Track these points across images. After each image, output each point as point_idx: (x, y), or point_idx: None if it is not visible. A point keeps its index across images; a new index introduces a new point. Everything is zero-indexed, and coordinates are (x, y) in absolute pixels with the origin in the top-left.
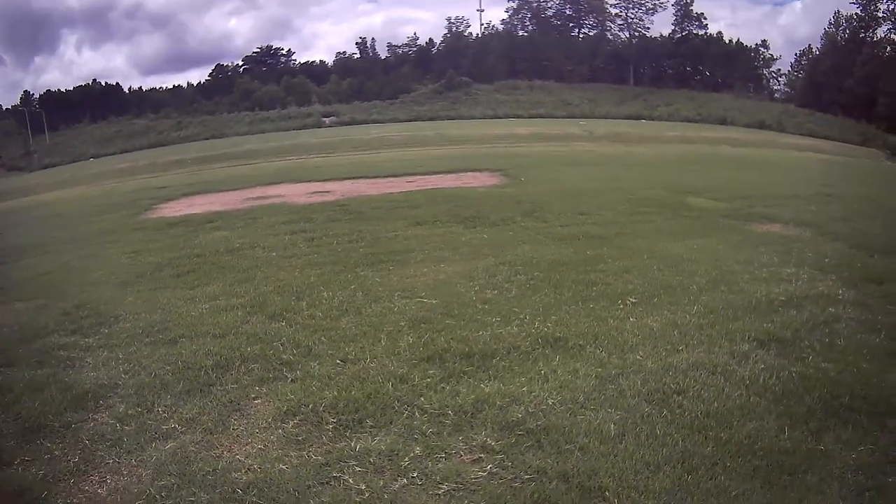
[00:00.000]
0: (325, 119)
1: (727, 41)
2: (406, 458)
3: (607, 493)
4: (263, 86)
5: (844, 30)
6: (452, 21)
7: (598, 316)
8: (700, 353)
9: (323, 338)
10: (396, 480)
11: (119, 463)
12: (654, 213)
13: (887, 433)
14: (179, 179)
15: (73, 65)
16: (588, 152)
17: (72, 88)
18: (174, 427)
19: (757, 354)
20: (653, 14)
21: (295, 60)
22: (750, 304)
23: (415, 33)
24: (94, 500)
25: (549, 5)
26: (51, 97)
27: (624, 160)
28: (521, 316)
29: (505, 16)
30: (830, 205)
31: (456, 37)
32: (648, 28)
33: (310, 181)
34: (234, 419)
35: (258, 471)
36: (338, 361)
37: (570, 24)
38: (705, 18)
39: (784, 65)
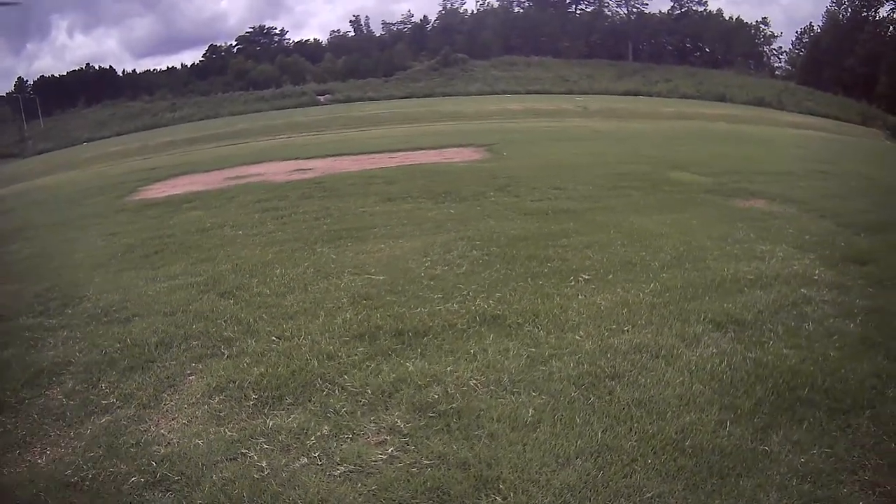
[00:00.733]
0: (319, 97)
1: (727, 18)
2: (313, 437)
3: (502, 486)
4: (258, 65)
5: (846, 8)
6: None
7: (545, 293)
8: (647, 334)
9: (264, 315)
10: (298, 460)
11: (59, 435)
12: (632, 187)
13: (848, 434)
14: (168, 161)
15: (65, 50)
16: (579, 128)
17: (65, 73)
18: (112, 402)
19: (710, 337)
20: None
21: (289, 39)
22: (713, 282)
23: (409, 10)
24: (33, 469)
25: None
26: (44, 83)
27: (615, 135)
28: (465, 293)
29: None
30: (823, 181)
31: (451, 13)
32: (647, 4)
33: (293, 159)
34: (167, 395)
35: (175, 445)
36: (273, 338)
37: (567, 1)
38: None
39: (785, 43)
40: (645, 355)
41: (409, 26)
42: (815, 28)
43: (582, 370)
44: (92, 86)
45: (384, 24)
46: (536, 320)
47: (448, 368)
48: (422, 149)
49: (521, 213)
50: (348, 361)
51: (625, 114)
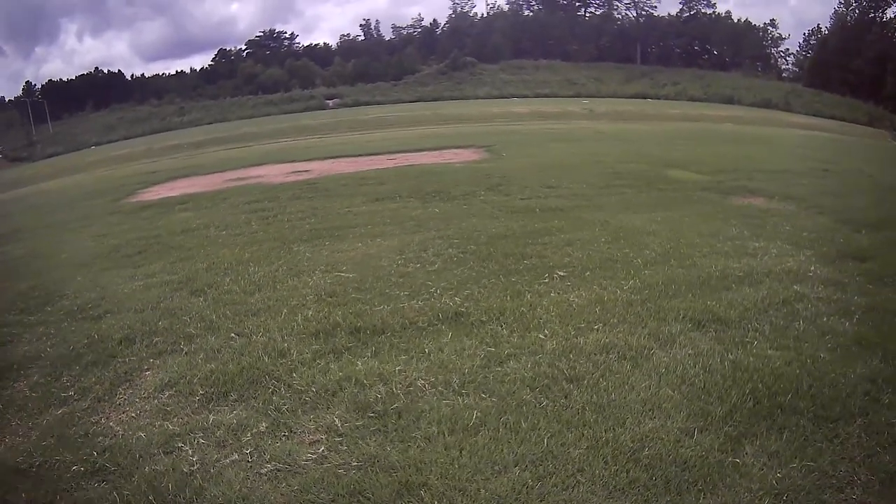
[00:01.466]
0: (328, 101)
1: (736, 20)
2: (249, 434)
3: (424, 493)
4: (267, 69)
5: (854, 9)
6: (457, 1)
7: (515, 290)
8: (618, 333)
9: (228, 312)
10: (229, 456)
11: (19, 425)
12: (626, 185)
13: (836, 445)
14: (171, 164)
15: (74, 54)
16: (583, 129)
17: (74, 77)
18: (71, 395)
19: (687, 337)
20: None
21: (298, 44)
22: (698, 279)
23: (419, 14)
24: None
25: None
26: (53, 87)
27: (617, 136)
28: (433, 290)
29: None
30: (824, 180)
31: (461, 17)
32: (655, 7)
33: (293, 161)
34: (122, 389)
35: (119, 437)
36: (232, 335)
37: (577, 3)
38: None
39: (793, 45)
40: (612, 356)
41: (419, 30)
42: (822, 30)
43: (539, 371)
44: (101, 90)
45: (394, 27)
46: (501, 318)
47: (397, 368)
48: (421, 150)
49: (507, 211)
50: (299, 359)
51: (630, 116)
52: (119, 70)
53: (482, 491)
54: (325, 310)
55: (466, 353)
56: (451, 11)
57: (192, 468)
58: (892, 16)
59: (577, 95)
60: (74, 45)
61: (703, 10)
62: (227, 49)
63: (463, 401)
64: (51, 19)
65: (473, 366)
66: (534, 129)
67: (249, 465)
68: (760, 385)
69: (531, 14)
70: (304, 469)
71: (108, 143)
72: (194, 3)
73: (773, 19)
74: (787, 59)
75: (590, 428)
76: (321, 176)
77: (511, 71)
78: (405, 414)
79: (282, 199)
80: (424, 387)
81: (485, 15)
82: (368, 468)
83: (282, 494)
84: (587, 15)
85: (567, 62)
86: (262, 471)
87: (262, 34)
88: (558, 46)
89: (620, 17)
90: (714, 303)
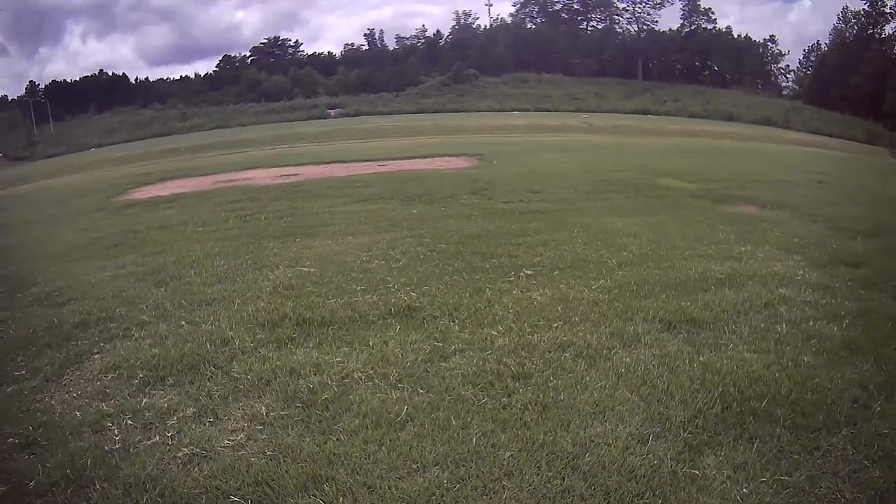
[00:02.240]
0: (330, 111)
1: (736, 36)
2: (175, 418)
3: (328, 488)
4: (271, 77)
5: (852, 26)
6: (461, 14)
7: (476, 287)
8: (578, 331)
9: (184, 301)
10: (151, 438)
11: None
12: (614, 191)
13: (816, 458)
14: (166, 167)
15: (78, 55)
16: (579, 141)
17: (78, 79)
18: (23, 374)
19: (655, 338)
20: (661, 8)
21: (303, 52)
22: (674, 280)
23: (423, 25)
24: None
25: None
26: (56, 88)
27: (613, 148)
28: (391, 285)
29: (513, 9)
30: (819, 190)
31: (464, 29)
32: (657, 22)
33: (286, 166)
34: (70, 371)
35: (55, 415)
36: (182, 323)
37: (579, 18)
38: (713, 13)
39: (793, 61)
40: (567, 354)
41: (423, 41)
42: (822, 46)
43: (484, 368)
44: (104, 92)
45: (398, 38)
46: (454, 314)
47: (336, 359)
48: (414, 157)
49: (486, 213)
50: (240, 347)
51: (628, 130)
52: (123, 73)
53: (392, 490)
54: (278, 301)
55: (411, 346)
56: (454, 23)
57: (113, 447)
58: (892, 31)
59: (578, 110)
60: (79, 46)
61: (703, 26)
62: (232, 56)
63: (396, 394)
64: (56, 20)
65: (416, 360)
66: (529, 141)
67: (168, 447)
68: (732, 389)
69: (534, 27)
70: (218, 455)
71: (108, 146)
72: (200, 10)
73: (773, 35)
74: (787, 76)
75: (527, 429)
76: (308, 179)
77: (513, 84)
78: (333, 405)
79: (263, 200)
80: (360, 379)
81: (488, 27)
82: (281, 458)
83: (192, 479)
84: (589, 29)
85: (569, 76)
86: (179, 454)
87: (266, 41)
88: (560, 60)
89: (622, 31)
90: (689, 304)
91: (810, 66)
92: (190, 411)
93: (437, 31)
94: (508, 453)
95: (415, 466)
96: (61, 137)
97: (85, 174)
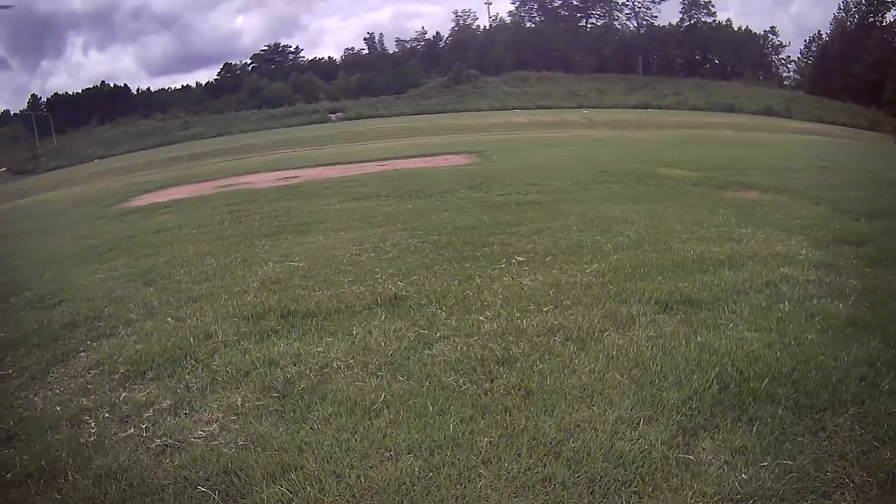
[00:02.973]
0: (331, 115)
1: (736, 28)
2: (151, 410)
3: (295, 476)
4: (272, 83)
5: (853, 14)
6: (460, 14)
7: (466, 275)
8: (569, 315)
9: (171, 299)
10: (126, 430)
11: None
12: (613, 182)
13: (821, 440)
14: (168, 175)
15: (80, 67)
16: (580, 136)
17: (80, 91)
18: (10, 373)
19: (651, 319)
20: (660, 3)
21: (303, 58)
22: (672, 263)
23: (423, 27)
24: None
25: None
26: (58, 100)
27: (613, 142)
28: (378, 276)
29: (512, 8)
30: (822, 175)
31: (463, 30)
32: (656, 17)
33: (286, 169)
34: (55, 368)
35: (37, 410)
36: (169, 319)
37: (578, 15)
38: (713, 6)
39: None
40: (556, 338)
41: (423, 43)
42: (823, 36)
43: (468, 353)
44: (106, 104)
45: (398, 41)
46: (442, 301)
47: (318, 349)
48: (413, 157)
49: (481, 205)
50: (223, 341)
51: (629, 124)
52: (125, 84)
53: (360, 479)
54: (264, 295)
55: (395, 334)
56: (454, 24)
57: (88, 440)
58: (892, 19)
59: (580, 107)
60: (80, 58)
61: (703, 19)
62: (233, 63)
63: (374, 382)
64: (57, 33)
65: (399, 347)
66: (530, 137)
67: (142, 439)
68: (730, 369)
69: (533, 26)
70: (191, 446)
71: (111, 157)
72: (200, 18)
73: (774, 27)
74: (789, 66)
75: (509, 414)
76: (307, 181)
77: (513, 83)
78: (309, 394)
79: (261, 202)
80: (339, 368)
81: (487, 27)
82: (252, 447)
83: (162, 469)
84: (588, 26)
85: (569, 73)
86: (152, 445)
87: (267, 48)
88: (560, 58)
89: (621, 27)
90: (686, 285)
91: (811, 55)
92: (166, 403)
93: (437, 32)
94: (487, 440)
95: (387, 454)
96: (64, 150)
97: (86, 185)
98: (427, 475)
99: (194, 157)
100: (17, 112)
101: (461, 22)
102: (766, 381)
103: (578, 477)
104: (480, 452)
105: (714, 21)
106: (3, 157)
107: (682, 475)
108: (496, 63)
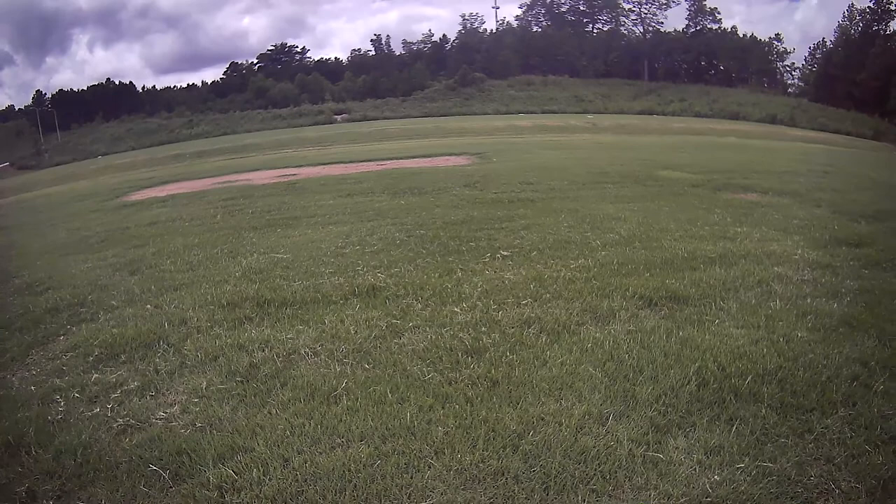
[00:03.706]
0: (336, 116)
1: (741, 35)
2: (119, 391)
3: (242, 458)
4: (277, 83)
5: (858, 23)
6: (467, 17)
7: (448, 268)
8: (547, 308)
9: (153, 287)
10: (92, 409)
11: None
12: (611, 182)
13: (807, 442)
14: (169, 171)
15: (85, 64)
16: (583, 140)
17: (85, 88)
18: None
19: (632, 314)
20: (666, 9)
21: (309, 58)
22: (661, 259)
23: (430, 30)
24: None
25: (563, 1)
26: (63, 97)
27: (616, 146)
28: (360, 268)
29: (519, 12)
30: (824, 179)
31: (470, 33)
32: (662, 23)
33: (286, 167)
34: (35, 351)
35: (14, 390)
36: (148, 306)
37: (584, 20)
38: (719, 13)
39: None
40: (530, 330)
41: (429, 46)
42: (827, 43)
43: (437, 343)
44: (111, 101)
45: (405, 43)
46: (419, 293)
47: (288, 336)
48: (413, 157)
49: (475, 202)
50: (196, 327)
51: (633, 129)
52: (130, 82)
53: (307, 464)
54: (244, 285)
55: (367, 324)
56: (461, 27)
57: (55, 418)
58: None
59: (585, 112)
60: (86, 55)
61: (709, 26)
62: (239, 63)
63: (339, 369)
64: (62, 30)
65: (368, 336)
66: (532, 140)
67: (106, 419)
68: (711, 364)
69: (539, 30)
70: (150, 426)
71: (115, 154)
72: (207, 17)
73: (779, 34)
74: (793, 73)
75: (470, 404)
76: (305, 178)
77: (519, 87)
78: (272, 380)
79: (255, 197)
80: (306, 354)
81: (494, 31)
82: (207, 429)
83: (120, 448)
84: (595, 31)
85: (575, 78)
86: (114, 425)
87: (273, 48)
88: (566, 63)
89: (627, 32)
90: (673, 281)
91: (816, 63)
92: (134, 385)
93: (444, 35)
94: (443, 430)
95: (338, 441)
96: (68, 146)
97: (89, 181)
98: (374, 463)
99: (197, 154)
100: (22, 108)
101: (468, 25)
102: (750, 378)
103: (534, 471)
104: (434, 442)
105: (720, 28)
106: (7, 152)
107: (648, 474)
108: (502, 67)
